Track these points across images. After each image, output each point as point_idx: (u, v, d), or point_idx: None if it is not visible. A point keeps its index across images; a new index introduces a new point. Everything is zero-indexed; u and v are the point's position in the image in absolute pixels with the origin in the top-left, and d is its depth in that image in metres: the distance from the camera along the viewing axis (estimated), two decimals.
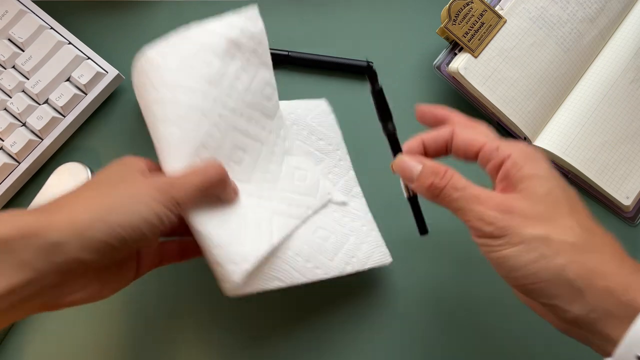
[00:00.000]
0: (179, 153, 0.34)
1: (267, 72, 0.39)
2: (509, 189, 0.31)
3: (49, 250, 0.27)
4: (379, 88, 0.35)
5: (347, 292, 0.44)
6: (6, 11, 0.45)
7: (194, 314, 0.43)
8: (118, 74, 0.46)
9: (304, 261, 0.38)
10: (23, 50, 0.45)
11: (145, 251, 0.36)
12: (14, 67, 0.45)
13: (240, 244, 0.34)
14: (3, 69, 0.45)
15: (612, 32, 0.49)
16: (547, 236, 0.28)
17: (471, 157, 0.33)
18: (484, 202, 0.30)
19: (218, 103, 0.36)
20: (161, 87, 0.34)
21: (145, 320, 0.43)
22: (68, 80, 0.45)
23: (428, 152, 0.34)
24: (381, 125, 0.36)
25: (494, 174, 0.32)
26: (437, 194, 0.32)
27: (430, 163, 0.33)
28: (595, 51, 0.48)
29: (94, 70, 0.45)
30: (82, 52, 0.46)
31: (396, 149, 0.35)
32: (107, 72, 0.46)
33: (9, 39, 0.45)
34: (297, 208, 0.40)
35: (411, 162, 0.33)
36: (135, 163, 0.34)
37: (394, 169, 0.34)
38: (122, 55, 0.47)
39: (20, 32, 0.45)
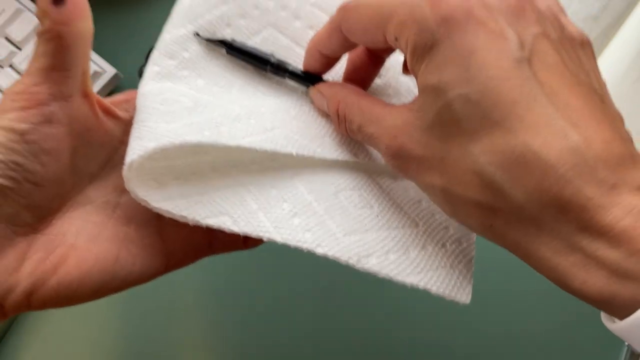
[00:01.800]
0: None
1: None
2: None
3: None
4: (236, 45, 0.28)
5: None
6: (3, 10, 0.45)
7: (195, 316, 0.43)
8: (116, 73, 0.46)
9: (290, 214, 0.26)
10: (20, 49, 0.44)
11: (173, 231, 0.27)
12: (10, 66, 0.44)
13: (176, 120, 0.24)
14: (0, 68, 0.44)
15: (615, 30, 0.48)
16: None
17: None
18: (381, 131, 0.24)
19: None
20: None
21: (146, 321, 0.43)
22: None
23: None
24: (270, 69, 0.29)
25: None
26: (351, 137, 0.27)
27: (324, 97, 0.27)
28: (598, 50, 0.48)
29: (91, 69, 0.45)
30: None
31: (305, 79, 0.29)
32: (105, 70, 0.45)
33: (6, 38, 0.45)
34: (313, 140, 0.27)
35: (316, 100, 0.28)
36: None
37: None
38: (120, 54, 0.47)
39: (17, 31, 0.44)
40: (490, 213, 0.21)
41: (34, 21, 0.45)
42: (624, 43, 0.48)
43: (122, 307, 0.43)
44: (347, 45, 0.26)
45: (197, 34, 0.28)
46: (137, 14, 0.49)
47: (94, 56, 0.46)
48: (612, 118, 0.21)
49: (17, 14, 0.45)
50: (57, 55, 0.23)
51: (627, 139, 0.21)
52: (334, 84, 0.28)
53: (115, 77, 0.46)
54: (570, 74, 0.21)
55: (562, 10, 0.24)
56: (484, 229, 0.22)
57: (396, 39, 0.23)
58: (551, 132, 0.19)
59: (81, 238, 0.25)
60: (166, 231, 0.27)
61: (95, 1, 0.48)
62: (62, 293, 0.23)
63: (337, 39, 0.26)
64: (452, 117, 0.21)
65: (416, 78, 0.23)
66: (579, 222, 0.19)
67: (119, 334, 0.42)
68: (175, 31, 0.28)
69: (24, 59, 0.44)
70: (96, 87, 0.45)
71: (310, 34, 0.30)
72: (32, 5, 0.45)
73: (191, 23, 0.28)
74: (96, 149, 0.26)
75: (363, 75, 0.29)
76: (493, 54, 0.20)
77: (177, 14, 0.28)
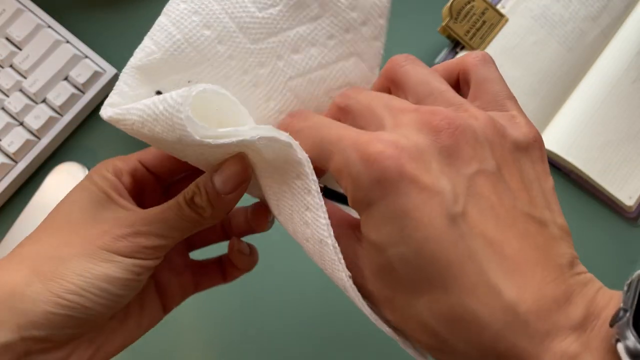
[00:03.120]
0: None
1: None
2: None
3: None
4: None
5: None
6: (3, 10, 0.45)
7: (197, 319, 0.43)
8: (116, 73, 0.46)
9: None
10: (20, 49, 0.44)
11: (167, 281, 0.31)
12: (11, 66, 0.44)
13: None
14: (0, 68, 0.44)
15: (614, 30, 0.48)
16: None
17: None
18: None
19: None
20: None
21: None
22: (66, 79, 0.45)
23: None
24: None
25: None
26: None
27: None
28: (598, 50, 0.48)
29: (92, 69, 0.45)
30: (80, 50, 0.45)
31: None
32: (105, 70, 0.45)
33: (6, 38, 0.44)
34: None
35: None
36: (102, 183, 0.27)
37: None
38: (120, 54, 0.46)
39: (17, 31, 0.44)
40: (438, 352, 0.22)
41: (35, 21, 0.45)
42: (623, 43, 0.48)
43: None
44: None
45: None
46: (137, 14, 0.49)
47: (94, 56, 0.46)
48: (547, 250, 0.21)
49: (17, 14, 0.45)
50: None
51: (563, 268, 0.21)
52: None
53: (115, 77, 0.46)
54: (506, 213, 0.21)
55: (509, 100, 0.25)
56: (434, 357, 0.23)
57: (338, 180, 0.23)
58: (485, 291, 0.20)
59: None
60: (161, 286, 0.31)
61: (96, 1, 0.49)
62: None
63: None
64: (394, 273, 0.21)
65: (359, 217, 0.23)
66: None
67: None
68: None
69: (24, 59, 0.44)
70: (96, 87, 0.45)
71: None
72: (32, 5, 0.45)
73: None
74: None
75: None
76: (426, 213, 0.20)
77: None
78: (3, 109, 0.44)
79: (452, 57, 0.46)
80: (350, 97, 0.26)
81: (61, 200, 0.27)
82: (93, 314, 0.25)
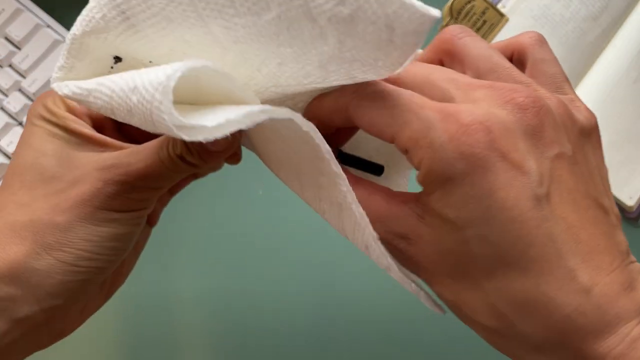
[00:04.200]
0: None
1: None
2: None
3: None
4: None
5: None
6: (3, 9, 0.44)
7: (195, 316, 0.43)
8: None
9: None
10: (19, 49, 0.44)
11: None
12: (10, 65, 0.44)
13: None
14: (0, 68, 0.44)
15: (615, 30, 0.48)
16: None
17: None
18: (387, 235, 0.23)
19: None
20: None
21: (146, 321, 0.43)
22: None
23: None
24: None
25: None
26: None
27: None
28: (599, 50, 0.48)
29: None
30: None
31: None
32: None
33: (6, 38, 0.44)
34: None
35: None
36: (66, 123, 0.25)
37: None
38: None
39: (16, 31, 0.44)
40: (495, 334, 0.22)
41: (34, 21, 0.44)
42: (623, 43, 0.48)
43: (123, 307, 0.43)
44: (349, 124, 0.24)
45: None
46: None
47: None
48: (611, 237, 0.22)
49: (16, 13, 0.44)
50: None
51: (623, 255, 0.22)
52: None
53: None
54: (582, 198, 0.22)
55: (566, 83, 0.24)
56: (487, 340, 0.23)
57: (406, 151, 0.22)
58: (561, 274, 0.20)
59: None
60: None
61: None
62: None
63: (339, 118, 0.24)
64: (468, 253, 0.21)
65: (424, 193, 0.22)
66: (576, 352, 0.21)
67: (119, 333, 0.42)
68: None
69: (23, 58, 0.44)
70: None
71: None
72: (31, 5, 0.45)
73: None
74: None
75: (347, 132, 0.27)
76: (513, 193, 0.20)
77: None
78: (2, 108, 0.44)
79: None
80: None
81: (23, 154, 0.25)
82: (107, 270, 0.25)
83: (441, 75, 0.23)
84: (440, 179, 0.21)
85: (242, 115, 0.20)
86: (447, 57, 0.25)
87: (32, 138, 0.25)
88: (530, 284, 0.20)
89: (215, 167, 0.26)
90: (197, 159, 0.24)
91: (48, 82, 0.44)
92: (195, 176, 0.30)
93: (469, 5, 0.45)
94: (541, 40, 0.25)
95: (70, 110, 0.26)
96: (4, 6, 0.44)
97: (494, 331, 0.22)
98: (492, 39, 0.45)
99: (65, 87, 0.22)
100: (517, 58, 0.25)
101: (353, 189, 0.22)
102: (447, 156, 0.20)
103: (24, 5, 0.45)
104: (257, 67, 0.23)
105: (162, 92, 0.18)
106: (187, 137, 0.19)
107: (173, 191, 0.31)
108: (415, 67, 0.23)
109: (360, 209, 0.22)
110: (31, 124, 0.26)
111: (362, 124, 0.23)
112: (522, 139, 0.21)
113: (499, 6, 0.46)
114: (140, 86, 0.19)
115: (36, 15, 0.45)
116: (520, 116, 0.21)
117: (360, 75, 0.22)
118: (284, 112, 0.20)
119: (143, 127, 0.20)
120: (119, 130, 0.28)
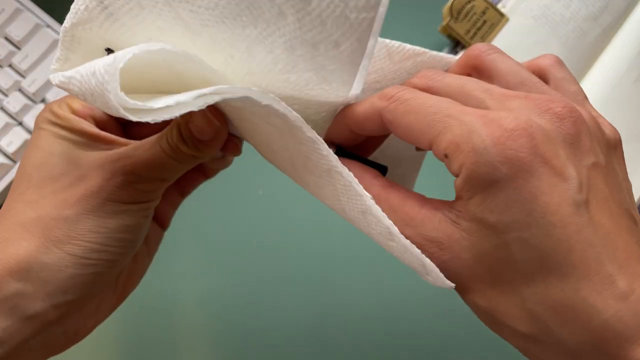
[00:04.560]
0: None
1: None
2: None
3: (10, 307, 0.23)
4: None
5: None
6: (2, 9, 0.44)
7: (195, 316, 0.43)
8: None
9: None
10: (19, 49, 0.44)
11: (159, 205, 0.28)
12: (10, 65, 0.44)
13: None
14: None
15: (615, 30, 0.48)
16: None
17: None
18: (419, 239, 0.23)
19: None
20: None
21: (146, 320, 0.43)
22: None
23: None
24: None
25: None
26: None
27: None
28: (599, 50, 0.48)
29: None
30: None
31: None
32: None
33: (5, 38, 0.44)
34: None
35: None
36: (72, 124, 0.26)
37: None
38: None
39: (16, 31, 0.44)
40: (530, 340, 0.22)
41: (34, 21, 0.44)
42: (624, 43, 0.48)
43: (123, 306, 0.42)
44: (383, 131, 0.24)
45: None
46: None
47: None
48: None
49: (16, 13, 0.45)
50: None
51: None
52: (352, 164, 0.25)
53: None
54: (616, 206, 0.22)
55: (587, 100, 0.25)
56: (520, 347, 0.23)
57: (446, 156, 0.22)
58: (601, 280, 0.20)
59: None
60: (155, 211, 0.28)
61: None
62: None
63: (373, 124, 0.24)
64: (507, 257, 0.21)
65: (461, 198, 0.22)
66: (613, 358, 0.20)
67: (120, 333, 0.42)
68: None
69: (23, 58, 0.44)
70: None
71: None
72: (31, 5, 0.45)
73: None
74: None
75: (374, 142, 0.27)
76: (555, 198, 0.20)
77: None
78: (2, 108, 0.44)
79: None
80: (433, 79, 0.24)
81: (31, 155, 0.26)
82: (118, 263, 0.25)
83: (475, 85, 0.23)
84: (482, 183, 0.21)
85: (193, 97, 0.20)
86: (475, 73, 0.26)
87: (39, 140, 0.26)
88: (570, 289, 0.20)
89: (212, 152, 0.26)
90: (193, 148, 0.25)
91: (48, 82, 0.44)
92: (205, 176, 0.31)
93: (469, 5, 0.45)
94: (560, 62, 0.26)
95: (75, 112, 0.26)
96: (4, 6, 0.44)
97: (529, 337, 0.22)
98: (492, 39, 0.45)
99: (56, 77, 0.23)
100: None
101: (387, 193, 0.23)
102: (491, 160, 0.20)
103: (24, 5, 0.45)
104: (229, 53, 0.23)
105: (110, 73, 0.19)
106: (134, 118, 0.19)
107: (184, 193, 0.32)
108: (448, 78, 0.24)
109: (346, 170, 0.22)
110: (39, 128, 0.26)
111: (398, 129, 0.23)
112: (562, 146, 0.21)
113: (499, 6, 0.46)
114: (97, 70, 0.19)
115: (36, 15, 0.45)
116: (558, 125, 0.21)
117: (327, 62, 0.22)
118: (237, 90, 0.20)
119: (107, 111, 0.21)
120: (124, 131, 0.29)
